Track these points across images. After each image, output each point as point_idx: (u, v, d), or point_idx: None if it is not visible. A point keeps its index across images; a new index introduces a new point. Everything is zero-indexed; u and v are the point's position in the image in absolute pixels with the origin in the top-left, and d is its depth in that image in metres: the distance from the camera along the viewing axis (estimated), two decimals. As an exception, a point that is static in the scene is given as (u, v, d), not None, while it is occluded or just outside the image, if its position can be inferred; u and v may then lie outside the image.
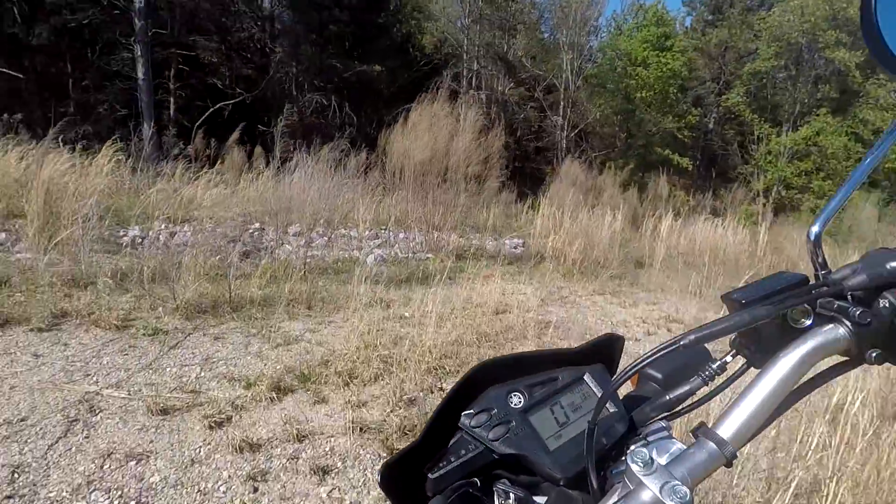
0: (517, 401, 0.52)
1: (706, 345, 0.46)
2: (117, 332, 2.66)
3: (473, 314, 3.52)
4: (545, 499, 0.49)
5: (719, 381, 0.52)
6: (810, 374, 0.49)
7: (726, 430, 0.43)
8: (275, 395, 2.27)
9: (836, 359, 0.49)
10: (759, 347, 0.48)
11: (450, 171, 5.94)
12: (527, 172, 16.20)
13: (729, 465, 0.42)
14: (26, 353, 2.35)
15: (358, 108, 14.88)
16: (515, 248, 7.13)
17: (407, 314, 3.57)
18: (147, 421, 2.00)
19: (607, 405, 0.53)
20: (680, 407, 0.54)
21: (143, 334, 2.67)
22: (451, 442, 0.50)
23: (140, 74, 12.82)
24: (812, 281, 0.50)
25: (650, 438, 0.51)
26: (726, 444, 0.42)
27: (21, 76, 14.41)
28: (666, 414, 0.53)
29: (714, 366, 0.49)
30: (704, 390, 0.52)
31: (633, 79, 16.10)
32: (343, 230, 6.36)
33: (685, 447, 0.44)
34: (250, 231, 5.82)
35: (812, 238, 0.50)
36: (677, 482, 0.39)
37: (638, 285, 5.93)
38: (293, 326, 3.14)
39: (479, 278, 4.35)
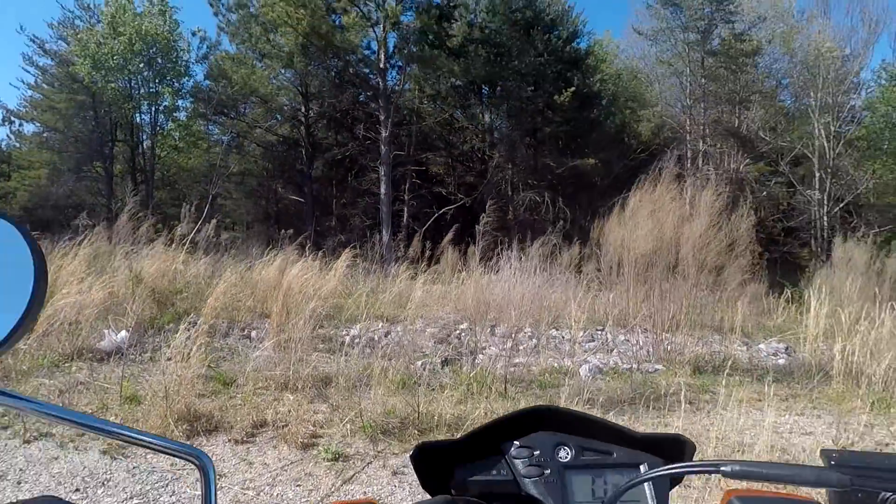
0: (564, 454, 0.52)
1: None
2: (301, 451, 2.49)
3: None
4: None
5: None
6: None
7: None
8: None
9: None
10: None
11: (681, 261, 4.91)
12: (775, 259, 13.37)
13: None
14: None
15: (571, 201, 14.64)
16: (776, 355, 5.46)
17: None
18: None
19: (649, 499, 0.50)
20: None
21: (324, 458, 2.44)
22: (488, 458, 0.51)
23: (382, 190, 14.92)
24: None
25: None
26: None
27: (303, 200, 18.33)
28: None
29: None
30: None
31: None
32: (554, 331, 5.73)
33: None
34: (457, 332, 5.62)
35: None
36: None
37: None
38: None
39: (733, 403, 3.19)
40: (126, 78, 16.64)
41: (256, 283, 6.29)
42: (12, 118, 19.17)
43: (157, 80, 17.02)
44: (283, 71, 16.75)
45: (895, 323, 4.98)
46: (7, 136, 21.69)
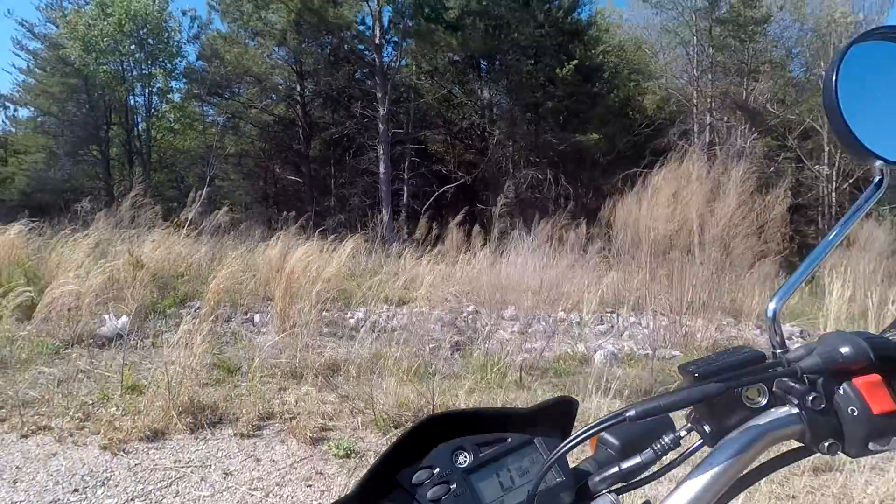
0: (463, 459, 0.50)
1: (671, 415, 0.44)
2: (311, 447, 2.38)
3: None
4: None
5: (672, 456, 0.49)
6: (762, 458, 0.47)
7: None
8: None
9: (791, 444, 0.47)
10: (713, 424, 0.47)
11: (704, 243, 4.70)
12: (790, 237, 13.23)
13: None
14: (218, 469, 2.18)
15: (573, 178, 14.42)
16: (790, 339, 5.35)
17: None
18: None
19: (553, 473, 0.50)
20: (631, 481, 0.49)
21: (335, 455, 2.33)
22: (389, 499, 0.47)
23: (381, 169, 14.69)
24: (769, 359, 0.49)
25: None
26: None
27: (301, 181, 18.10)
28: (616, 487, 0.49)
29: (668, 440, 0.46)
30: (656, 465, 0.49)
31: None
32: (562, 313, 5.61)
33: None
34: (465, 315, 5.50)
35: (770, 314, 0.51)
36: None
37: None
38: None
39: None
40: (118, 60, 16.26)
41: (258, 265, 6.16)
42: (6, 103, 18.82)
43: (149, 62, 16.63)
44: (276, 49, 16.37)
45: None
46: (2, 121, 21.32)
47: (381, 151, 14.52)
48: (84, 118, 17.49)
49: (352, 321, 5.44)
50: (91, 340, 4.18)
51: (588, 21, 14.87)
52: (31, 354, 3.69)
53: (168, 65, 16.85)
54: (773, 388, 0.46)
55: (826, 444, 0.44)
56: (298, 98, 17.59)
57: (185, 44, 17.38)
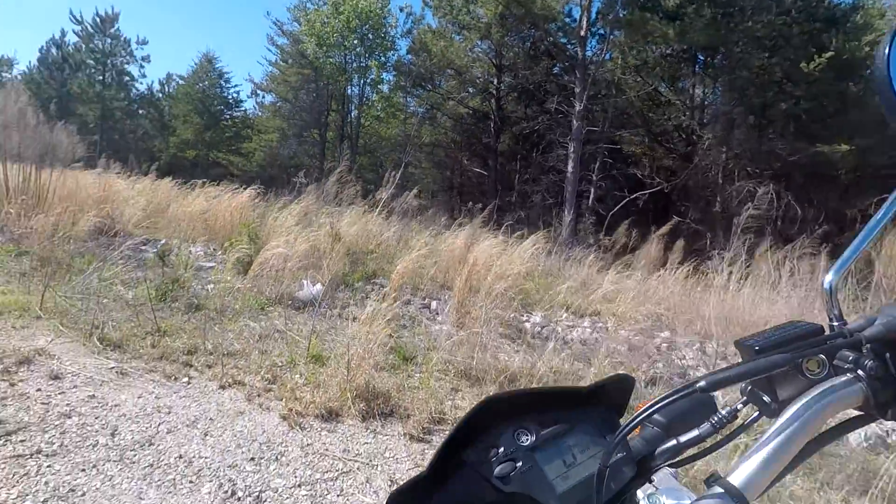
0: (525, 439, 0.51)
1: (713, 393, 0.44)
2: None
3: None
4: None
5: (728, 429, 0.50)
6: (826, 426, 0.47)
7: (740, 481, 0.42)
8: None
9: (853, 412, 0.47)
10: (772, 397, 0.48)
11: None
12: None
13: None
14: (384, 473, 1.96)
15: (801, 197, 11.93)
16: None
17: None
18: None
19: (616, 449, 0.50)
20: (687, 454, 0.52)
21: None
22: (458, 476, 0.48)
23: (569, 168, 14.02)
24: (827, 331, 0.50)
25: (660, 486, 0.48)
26: (741, 495, 0.41)
27: (486, 173, 18.36)
28: (673, 460, 0.51)
29: (724, 413, 0.48)
30: (711, 439, 0.50)
31: None
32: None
33: (696, 496, 0.43)
34: (658, 341, 4.72)
35: (827, 287, 0.52)
36: None
37: None
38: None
39: None
40: (342, 53, 18.33)
41: (441, 252, 6.16)
42: (257, 91, 22.65)
43: (366, 55, 18.42)
44: (479, 43, 16.73)
45: None
46: (253, 106, 25.87)
47: (572, 149, 13.84)
48: (311, 105, 20.17)
49: (527, 324, 5.08)
50: (290, 302, 4.51)
51: (853, 4, 12.05)
52: (242, 307, 4.07)
53: (382, 58, 18.43)
54: (834, 360, 0.46)
55: (888, 409, 0.45)
56: (494, 91, 17.82)
57: (398, 38, 18.80)
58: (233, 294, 4.39)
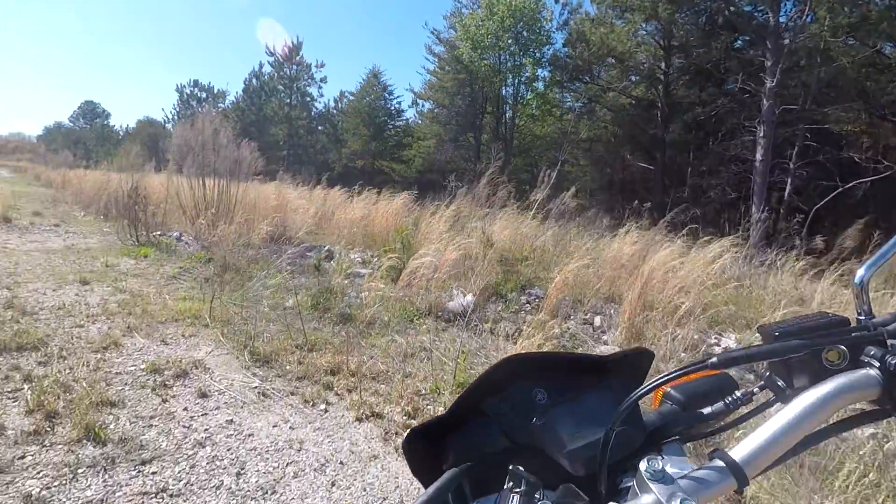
0: (541, 397, 0.52)
1: (733, 374, 0.47)
2: None
3: None
4: (553, 492, 0.47)
5: (743, 411, 0.51)
6: (836, 417, 0.47)
7: (741, 457, 0.42)
8: None
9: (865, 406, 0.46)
10: (789, 383, 0.48)
11: None
12: None
13: (740, 490, 0.42)
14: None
15: None
16: None
17: None
18: None
19: (627, 416, 0.50)
20: (699, 430, 0.53)
21: None
22: (474, 423, 0.51)
23: (758, 156, 11.90)
24: (853, 325, 0.50)
25: (665, 454, 0.50)
26: (740, 470, 0.41)
27: (652, 168, 16.61)
28: (684, 435, 0.52)
29: (740, 394, 0.49)
30: (726, 419, 0.51)
31: None
32: None
33: (697, 466, 0.44)
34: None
35: (858, 282, 0.51)
36: (686, 496, 0.39)
37: None
38: None
39: None
40: (496, 54, 18.18)
41: (604, 259, 5.42)
42: (417, 100, 23.69)
43: (520, 53, 18.00)
44: (643, 25, 15.18)
45: None
46: (414, 114, 27.26)
47: (762, 134, 11.73)
48: (466, 109, 20.40)
49: (716, 348, 4.12)
50: (440, 313, 4.24)
51: None
52: (390, 318, 3.89)
53: (536, 54, 17.82)
54: (856, 353, 0.46)
55: None
56: (661, 76, 16.04)
57: (553, 32, 18.01)
58: (383, 303, 4.26)
